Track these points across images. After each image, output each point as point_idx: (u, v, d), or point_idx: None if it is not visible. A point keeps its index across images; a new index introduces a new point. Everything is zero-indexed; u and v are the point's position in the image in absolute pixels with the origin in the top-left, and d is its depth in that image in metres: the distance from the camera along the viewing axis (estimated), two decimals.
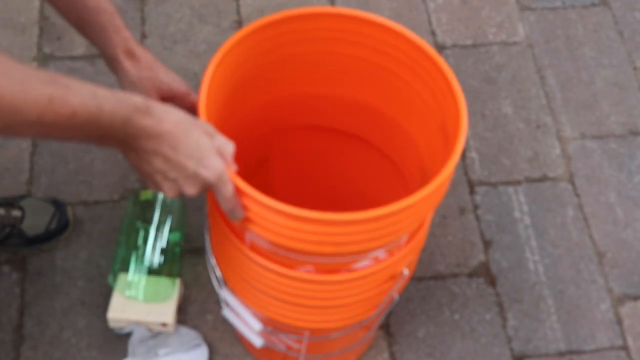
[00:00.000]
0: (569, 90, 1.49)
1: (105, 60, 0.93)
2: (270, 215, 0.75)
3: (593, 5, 1.60)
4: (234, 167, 0.77)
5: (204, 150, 0.73)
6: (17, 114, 0.64)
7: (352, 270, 0.86)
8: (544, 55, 1.53)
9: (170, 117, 0.72)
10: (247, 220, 0.78)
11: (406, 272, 0.91)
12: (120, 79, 0.92)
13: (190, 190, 0.76)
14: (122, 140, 0.72)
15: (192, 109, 0.89)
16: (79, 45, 1.47)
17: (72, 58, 1.46)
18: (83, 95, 0.67)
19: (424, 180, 0.92)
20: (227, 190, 0.75)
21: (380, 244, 0.79)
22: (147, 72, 0.90)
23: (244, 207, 0.77)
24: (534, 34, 1.56)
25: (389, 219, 0.76)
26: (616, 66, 1.52)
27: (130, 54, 0.91)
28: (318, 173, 1.14)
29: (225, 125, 0.89)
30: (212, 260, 1.00)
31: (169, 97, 0.92)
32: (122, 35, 0.91)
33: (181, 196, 1.32)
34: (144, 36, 1.50)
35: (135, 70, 0.90)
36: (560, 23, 1.57)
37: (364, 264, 0.85)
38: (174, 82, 0.92)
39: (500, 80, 1.49)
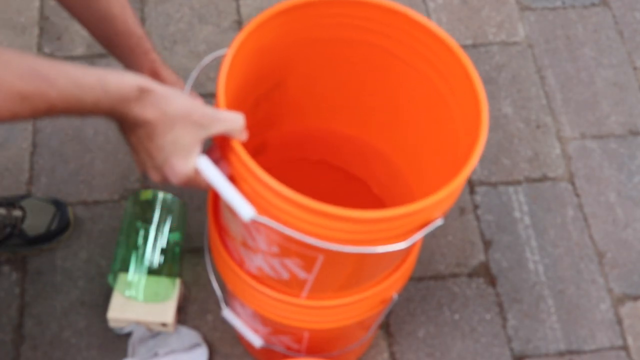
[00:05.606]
0: (569, 90, 1.49)
1: None
2: (283, 205, 0.74)
3: (593, 5, 1.60)
4: (244, 137, 0.76)
5: (178, 149, 0.73)
6: None
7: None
8: (544, 55, 1.53)
9: (158, 107, 0.71)
10: (259, 209, 0.76)
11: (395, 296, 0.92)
12: None
13: (153, 177, 0.76)
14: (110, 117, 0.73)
15: None
16: (79, 45, 1.47)
17: (72, 58, 1.46)
18: (63, 87, 0.66)
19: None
20: (197, 187, 0.78)
21: (396, 240, 0.78)
22: None
23: (258, 195, 0.75)
24: (534, 34, 1.56)
25: (400, 220, 0.75)
26: (616, 66, 1.52)
27: (156, 75, 0.93)
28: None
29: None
30: (212, 260, 1.00)
31: None
32: (149, 58, 0.93)
33: (181, 196, 1.32)
34: None
35: None
36: (560, 23, 1.57)
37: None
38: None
39: (500, 80, 1.49)
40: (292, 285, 0.90)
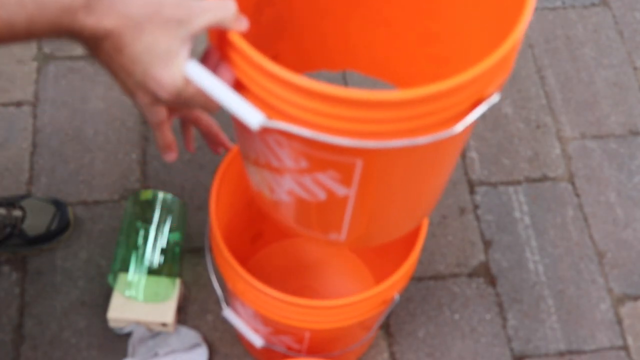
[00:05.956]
0: (569, 90, 1.49)
1: None
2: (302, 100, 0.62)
3: (593, 5, 1.60)
4: (243, 25, 0.64)
5: (156, 56, 0.60)
6: None
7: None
8: (544, 55, 1.53)
9: (115, 10, 0.58)
10: (270, 112, 0.64)
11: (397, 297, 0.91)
12: None
13: (141, 99, 0.64)
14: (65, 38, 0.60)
15: None
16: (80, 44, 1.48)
17: (72, 58, 1.46)
18: None
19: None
20: (193, 102, 0.64)
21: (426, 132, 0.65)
22: None
23: (268, 105, 0.64)
24: (534, 34, 1.56)
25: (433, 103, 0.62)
26: (616, 66, 1.52)
27: None
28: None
29: None
30: (212, 260, 1.00)
31: None
32: None
33: (181, 196, 1.32)
34: None
35: None
36: (560, 23, 1.57)
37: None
38: None
39: None
40: (331, 212, 0.76)
